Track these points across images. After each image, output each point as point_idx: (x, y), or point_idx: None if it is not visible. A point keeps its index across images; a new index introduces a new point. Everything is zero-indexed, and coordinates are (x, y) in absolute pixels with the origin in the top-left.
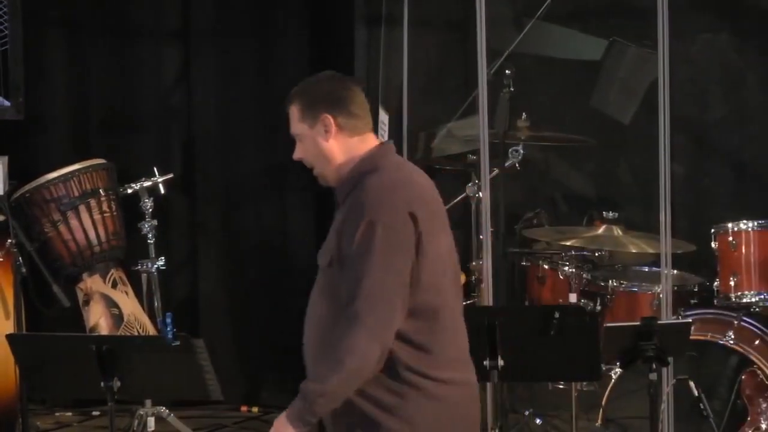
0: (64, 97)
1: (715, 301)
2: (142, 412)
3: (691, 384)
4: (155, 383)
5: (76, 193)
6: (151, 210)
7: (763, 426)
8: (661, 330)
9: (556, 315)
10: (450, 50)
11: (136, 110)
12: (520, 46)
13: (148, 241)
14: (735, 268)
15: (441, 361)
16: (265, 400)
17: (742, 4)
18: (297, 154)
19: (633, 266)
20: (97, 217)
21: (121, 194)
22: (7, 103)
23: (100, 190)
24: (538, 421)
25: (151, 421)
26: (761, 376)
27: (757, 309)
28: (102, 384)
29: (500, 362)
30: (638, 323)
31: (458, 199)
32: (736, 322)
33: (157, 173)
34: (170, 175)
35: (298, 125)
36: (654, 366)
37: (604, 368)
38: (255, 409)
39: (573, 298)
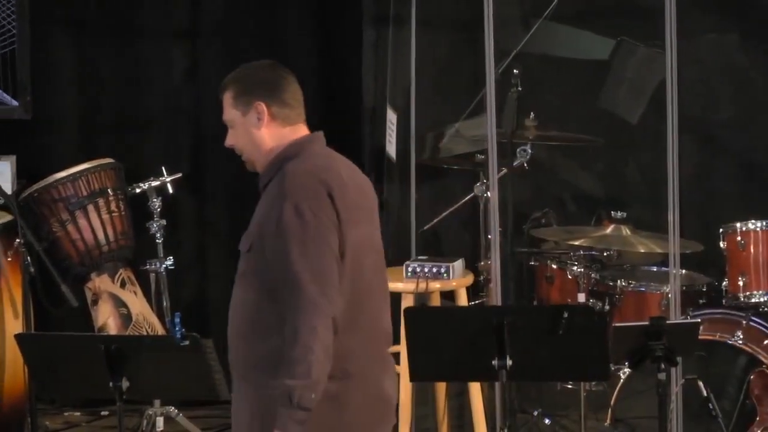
0: (72, 96)
1: (724, 301)
2: (150, 412)
3: (700, 384)
4: (164, 383)
5: (85, 193)
6: (159, 210)
7: None
8: (669, 330)
9: (565, 315)
10: (458, 50)
11: (144, 110)
12: (528, 45)
13: (157, 240)
14: (743, 268)
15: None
16: None
17: (749, 4)
18: (228, 141)
19: (641, 266)
20: (105, 216)
21: (130, 194)
22: (15, 103)
23: (109, 190)
24: (546, 421)
25: (159, 421)
26: None
27: (765, 309)
28: (111, 384)
29: (508, 362)
30: (647, 323)
31: (466, 198)
32: (744, 322)
33: (165, 173)
34: (179, 175)
35: (230, 111)
36: (663, 366)
37: (612, 368)
38: None
39: (581, 297)
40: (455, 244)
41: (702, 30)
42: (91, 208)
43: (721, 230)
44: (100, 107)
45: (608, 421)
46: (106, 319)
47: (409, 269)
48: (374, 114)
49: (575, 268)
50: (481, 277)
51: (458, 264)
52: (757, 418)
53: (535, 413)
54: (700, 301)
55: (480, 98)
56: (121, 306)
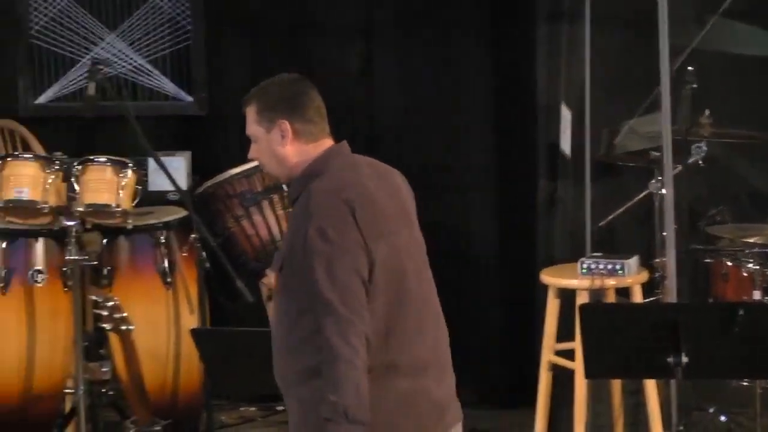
0: (246, 92)
1: None
2: None
3: None
4: None
5: (259, 189)
6: None
7: None
8: None
9: (740, 312)
10: (632, 46)
11: None
12: (703, 42)
13: None
14: None
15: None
16: None
17: None
18: (251, 154)
19: None
20: (279, 212)
21: None
22: (189, 99)
23: (283, 186)
24: (722, 418)
25: None
26: None
27: None
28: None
29: (684, 359)
30: None
31: (641, 195)
32: None
33: None
34: None
35: (254, 127)
36: None
37: None
38: None
39: (757, 295)
40: (630, 241)
41: None
42: (265, 204)
43: None
44: None
45: None
46: None
47: (584, 266)
48: (548, 111)
49: (750, 265)
50: (656, 275)
51: (633, 261)
52: None
53: (711, 411)
54: None
55: (654, 95)
56: None
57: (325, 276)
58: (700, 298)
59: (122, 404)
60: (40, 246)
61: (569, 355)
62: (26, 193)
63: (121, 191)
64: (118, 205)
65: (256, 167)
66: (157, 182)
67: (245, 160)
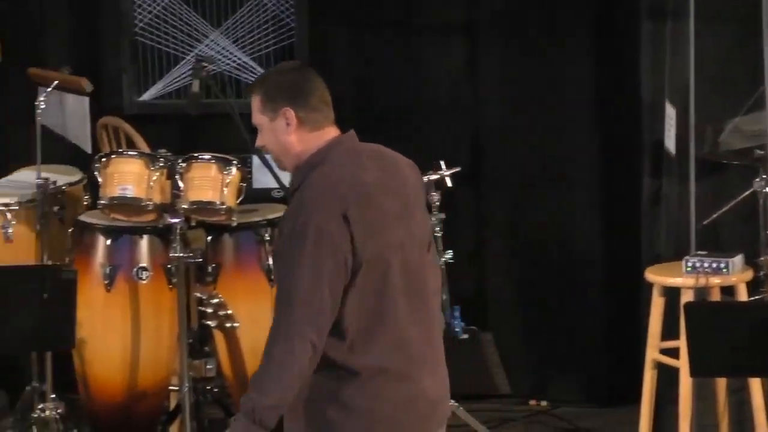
0: (349, 90)
1: None
2: None
3: None
4: None
5: None
6: (438, 203)
7: None
8: None
9: None
10: (737, 44)
11: (422, 103)
12: None
13: (436, 234)
14: None
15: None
16: (553, 394)
17: None
18: (258, 143)
19: None
20: None
21: None
22: None
23: None
24: None
25: None
26: None
27: None
28: None
29: None
30: None
31: (745, 194)
32: None
33: (443, 167)
34: (457, 169)
35: (258, 116)
36: None
37: None
38: (543, 403)
39: None
40: (734, 239)
41: None
42: None
43: None
44: (377, 101)
45: None
46: None
47: (689, 264)
48: (653, 108)
49: None
50: (761, 273)
51: (738, 259)
52: None
53: None
54: None
55: (759, 94)
56: None
57: (299, 272)
58: None
59: (227, 401)
60: (144, 243)
61: (674, 353)
62: (131, 191)
63: (225, 189)
64: (222, 203)
65: None
66: (261, 179)
67: None
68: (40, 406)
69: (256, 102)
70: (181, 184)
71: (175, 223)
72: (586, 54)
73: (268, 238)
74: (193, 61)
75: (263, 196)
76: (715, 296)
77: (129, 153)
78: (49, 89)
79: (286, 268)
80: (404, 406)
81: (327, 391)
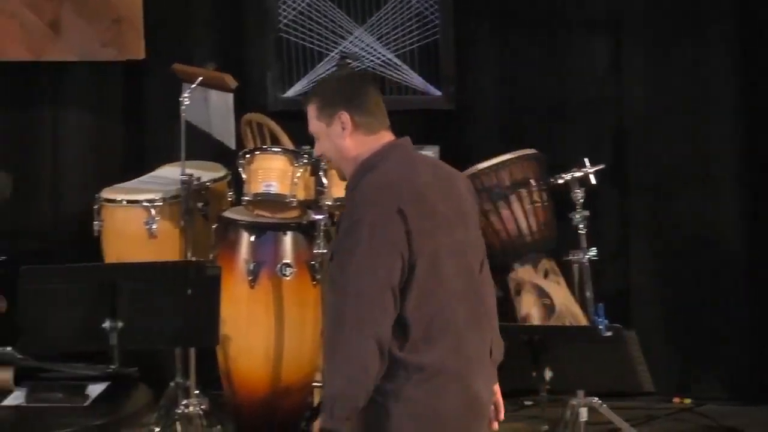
0: (494, 87)
1: None
2: (574, 403)
3: None
4: (586, 374)
5: (507, 183)
6: (582, 201)
7: None
8: None
9: None
10: None
11: (567, 100)
12: None
13: (579, 231)
14: None
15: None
16: (697, 391)
17: None
18: (317, 151)
19: None
20: (528, 207)
21: (552, 184)
22: (437, 94)
23: (531, 180)
24: None
25: (583, 412)
26: None
27: None
28: (533, 374)
29: None
30: None
31: None
32: None
33: (587, 164)
34: (601, 166)
35: (315, 124)
36: None
37: None
38: (687, 401)
39: None
40: None
41: None
42: (513, 198)
43: None
44: (522, 98)
45: None
46: (530, 309)
47: None
48: None
49: None
50: None
51: None
52: None
53: None
54: None
55: None
56: (544, 296)
57: (355, 270)
58: None
59: None
60: (288, 239)
61: None
62: (275, 187)
63: None
64: None
65: (504, 162)
66: None
67: (492, 155)
68: (183, 402)
69: (312, 110)
70: (325, 180)
71: (319, 219)
72: (731, 48)
73: None
74: (337, 58)
75: None
76: None
77: (273, 149)
78: (194, 85)
79: (343, 264)
80: (462, 405)
81: (389, 387)
